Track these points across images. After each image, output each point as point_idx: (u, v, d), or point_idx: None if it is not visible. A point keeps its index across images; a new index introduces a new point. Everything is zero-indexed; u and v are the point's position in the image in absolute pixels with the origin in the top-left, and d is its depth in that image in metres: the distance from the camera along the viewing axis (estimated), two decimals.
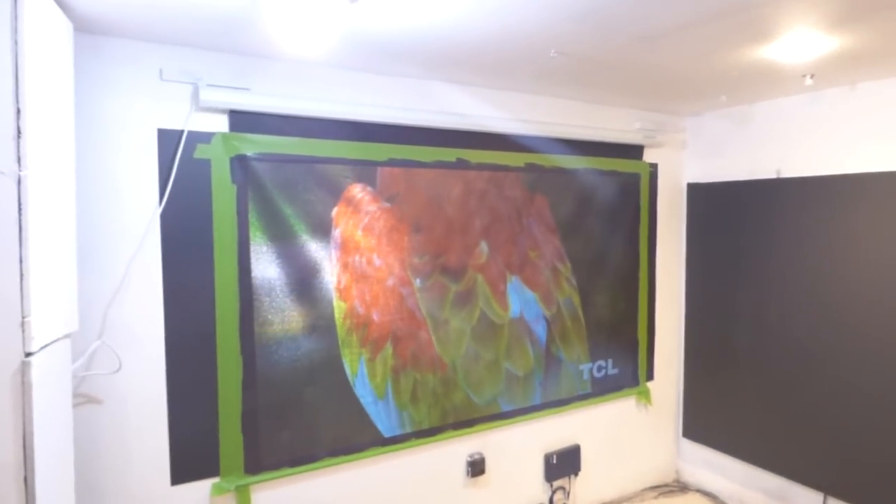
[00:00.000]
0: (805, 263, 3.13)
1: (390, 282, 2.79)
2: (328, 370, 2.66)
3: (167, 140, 2.28)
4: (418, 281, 2.87)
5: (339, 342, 2.68)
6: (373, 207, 2.73)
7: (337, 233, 2.64)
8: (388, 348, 2.81)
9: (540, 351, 3.32)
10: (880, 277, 2.82)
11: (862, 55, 2.45)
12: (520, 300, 3.23)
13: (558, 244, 3.35)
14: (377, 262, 2.76)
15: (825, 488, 3.10)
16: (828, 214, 3.03)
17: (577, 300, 3.45)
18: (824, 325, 3.05)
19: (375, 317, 2.77)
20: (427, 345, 2.92)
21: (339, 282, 2.67)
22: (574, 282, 3.43)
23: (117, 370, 2.22)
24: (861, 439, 2.91)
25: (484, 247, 3.08)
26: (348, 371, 2.71)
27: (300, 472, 2.61)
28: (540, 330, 3.32)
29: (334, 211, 2.64)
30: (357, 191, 2.69)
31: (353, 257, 2.70)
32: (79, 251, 1.96)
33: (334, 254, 2.65)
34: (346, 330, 2.69)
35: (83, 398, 2.20)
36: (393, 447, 2.85)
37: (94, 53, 2.14)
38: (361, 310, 2.73)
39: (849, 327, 2.95)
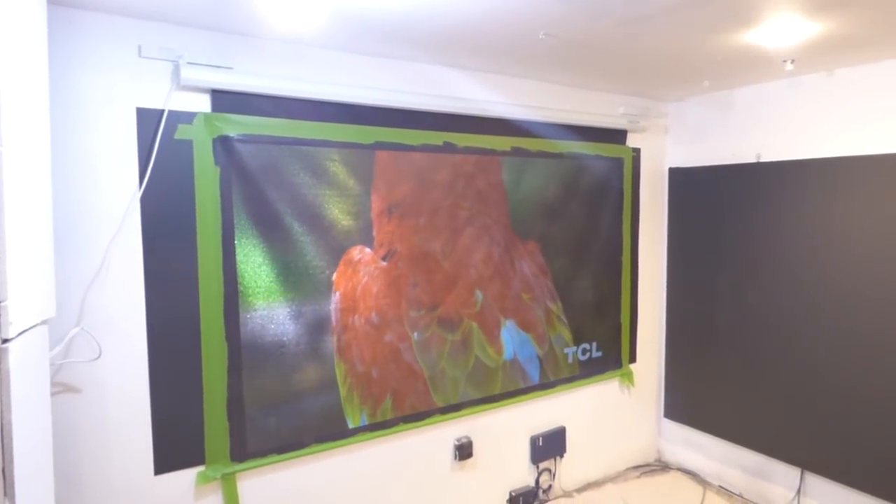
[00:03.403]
0: (783, 246, 3.19)
1: (388, 337, 2.82)
2: (315, 358, 2.64)
3: (147, 120, 2.20)
4: (416, 334, 2.89)
5: (329, 327, 2.65)
6: (371, 267, 2.74)
7: (337, 296, 2.67)
8: (388, 400, 2.85)
9: (532, 390, 3.39)
10: (857, 259, 2.88)
11: (841, 41, 2.49)
12: (513, 343, 3.27)
13: (550, 285, 3.40)
14: (375, 319, 2.78)
15: (802, 464, 3.19)
16: (806, 198, 3.08)
17: (567, 335, 3.51)
18: (802, 306, 3.12)
19: (372, 371, 2.79)
20: (424, 394, 2.96)
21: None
22: (565, 319, 3.49)
23: (97, 357, 2.15)
24: (836, 416, 2.99)
25: (479, 294, 3.10)
26: (342, 402, 2.73)
27: (287, 459, 2.58)
28: (532, 369, 3.37)
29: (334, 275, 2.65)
30: (356, 252, 2.69)
31: (352, 318, 2.73)
32: (55, 235, 1.88)
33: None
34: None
35: (61, 387, 2.13)
36: (381, 432, 2.83)
37: (69, 28, 2.05)
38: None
39: (825, 308, 3.02)
